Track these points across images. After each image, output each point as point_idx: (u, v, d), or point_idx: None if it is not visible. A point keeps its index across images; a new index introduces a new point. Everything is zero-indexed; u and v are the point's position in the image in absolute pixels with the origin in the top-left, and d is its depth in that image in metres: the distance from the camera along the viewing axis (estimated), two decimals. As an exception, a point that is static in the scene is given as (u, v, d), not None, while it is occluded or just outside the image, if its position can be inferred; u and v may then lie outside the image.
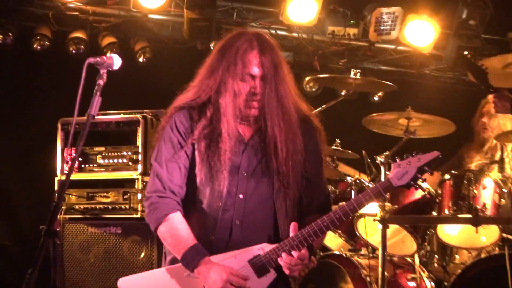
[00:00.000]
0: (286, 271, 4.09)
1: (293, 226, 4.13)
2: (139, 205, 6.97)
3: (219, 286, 4.03)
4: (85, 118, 4.04)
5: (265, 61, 4.25)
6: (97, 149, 7.25)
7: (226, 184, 4.20)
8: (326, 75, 7.72)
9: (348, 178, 7.22)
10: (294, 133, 4.30)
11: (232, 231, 4.21)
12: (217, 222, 4.21)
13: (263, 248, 4.13)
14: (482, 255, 6.75)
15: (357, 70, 7.32)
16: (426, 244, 7.23)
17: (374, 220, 6.55)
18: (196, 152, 4.28)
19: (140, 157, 7.09)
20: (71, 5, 8.73)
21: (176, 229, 4.20)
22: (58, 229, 3.97)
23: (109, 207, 7.12)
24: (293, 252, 4.07)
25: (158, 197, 4.27)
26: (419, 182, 4.22)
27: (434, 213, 6.88)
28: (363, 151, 7.30)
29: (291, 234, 4.11)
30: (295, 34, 9.24)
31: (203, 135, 4.27)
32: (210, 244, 4.20)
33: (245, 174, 4.26)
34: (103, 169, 7.23)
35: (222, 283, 4.03)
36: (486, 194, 6.67)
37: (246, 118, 4.29)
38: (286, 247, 4.08)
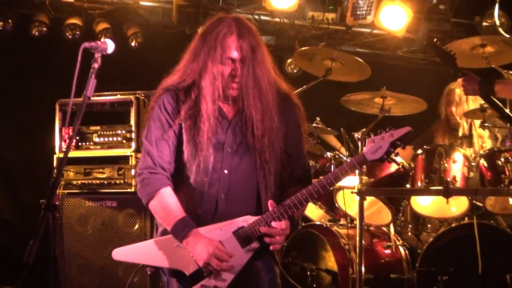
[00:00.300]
0: (267, 240, 4.08)
1: (270, 203, 4.12)
2: (133, 180, 6.96)
3: (205, 258, 4.03)
4: (81, 99, 4.04)
5: (243, 44, 4.21)
6: (93, 128, 7.22)
7: (211, 160, 4.18)
8: (306, 48, 7.71)
9: (328, 154, 7.24)
10: (271, 112, 4.26)
11: (217, 204, 4.19)
12: (204, 196, 4.19)
13: (246, 220, 4.12)
14: (453, 224, 6.79)
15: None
16: (400, 214, 7.26)
17: (352, 192, 6.56)
18: (183, 131, 4.26)
19: (133, 135, 7.07)
20: (67, -7, 8.70)
21: (166, 202, 4.19)
22: (57, 203, 3.93)
23: (105, 182, 7.11)
24: (273, 223, 4.07)
25: (149, 173, 4.25)
26: (392, 155, 4.22)
27: (408, 186, 6.90)
28: (342, 128, 7.32)
29: (270, 209, 4.10)
30: (277, 19, 9.22)
31: (188, 115, 4.24)
32: (198, 217, 4.18)
33: (229, 150, 4.23)
34: (99, 147, 7.21)
35: (208, 255, 4.02)
36: (456, 168, 6.69)
37: (227, 98, 4.27)
38: (268, 219, 4.08)
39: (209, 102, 4.20)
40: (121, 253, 4.29)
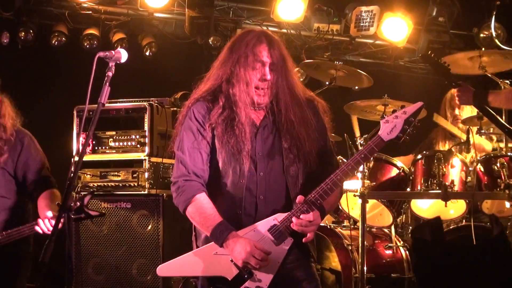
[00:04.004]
0: (296, 228, 4.02)
1: (298, 198, 4.06)
2: (146, 182, 6.93)
3: (243, 256, 3.99)
4: (96, 106, 4.04)
5: (273, 52, 4.24)
6: (108, 133, 7.18)
7: (247, 164, 4.16)
8: (311, 61, 7.70)
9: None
10: (306, 115, 4.28)
11: (257, 206, 4.16)
12: (243, 198, 4.17)
13: (276, 218, 4.08)
14: (451, 226, 6.76)
15: (340, 62, 7.30)
16: (401, 216, 7.23)
17: (354, 195, 6.52)
18: (216, 138, 4.23)
19: (147, 140, 7.03)
20: (85, 5, 8.71)
21: (203, 208, 4.16)
22: (72, 204, 3.92)
23: (120, 184, 7.06)
24: (302, 216, 4.01)
25: (184, 180, 4.23)
26: (409, 132, 4.17)
27: (408, 189, 6.87)
28: (345, 134, 7.26)
29: (298, 204, 4.05)
30: (284, 30, 9.20)
31: (219, 122, 4.23)
32: (239, 218, 4.17)
33: (260, 154, 4.21)
34: (114, 151, 7.17)
35: (246, 254, 3.99)
36: (454, 172, 6.66)
37: (259, 106, 4.26)
38: (297, 213, 4.02)
39: (244, 108, 4.20)
40: (165, 269, 4.27)
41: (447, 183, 6.51)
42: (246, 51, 4.23)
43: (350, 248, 6.72)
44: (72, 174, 4.00)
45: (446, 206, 6.56)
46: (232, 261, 4.07)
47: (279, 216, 4.08)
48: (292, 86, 4.29)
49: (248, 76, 4.21)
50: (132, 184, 7.01)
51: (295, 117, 4.23)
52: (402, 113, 4.16)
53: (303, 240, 4.07)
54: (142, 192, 6.97)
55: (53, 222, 5.50)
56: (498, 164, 6.46)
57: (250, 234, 4.08)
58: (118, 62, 4.20)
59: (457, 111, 7.56)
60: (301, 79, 9.58)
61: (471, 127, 7.21)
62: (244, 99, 4.20)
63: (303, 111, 4.29)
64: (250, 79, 4.21)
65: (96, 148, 7.21)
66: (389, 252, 6.98)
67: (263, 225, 4.09)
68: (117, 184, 7.07)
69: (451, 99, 7.66)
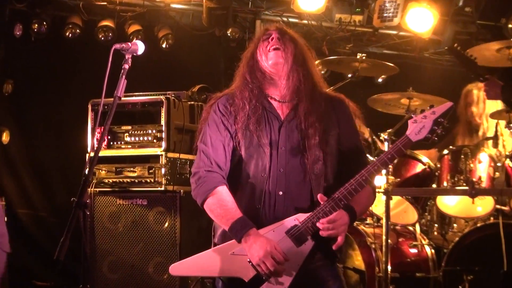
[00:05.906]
0: (323, 233, 3.96)
1: (319, 197, 4.01)
2: (163, 178, 6.92)
3: (261, 255, 3.94)
4: (112, 99, 4.03)
5: (282, 31, 4.31)
6: (124, 127, 7.18)
7: (267, 159, 4.15)
8: (334, 57, 7.66)
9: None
10: (324, 110, 4.24)
11: (276, 201, 4.12)
12: (263, 192, 4.13)
13: (298, 218, 4.02)
14: (478, 224, 6.73)
15: (363, 54, 7.27)
16: (426, 214, 7.21)
17: (378, 192, 6.50)
18: (238, 131, 4.22)
19: (163, 135, 7.02)
20: (100, -4, 8.74)
21: (224, 200, 4.13)
22: (88, 201, 3.92)
23: (136, 180, 7.06)
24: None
25: (206, 171, 4.21)
26: (438, 133, 4.07)
27: (434, 186, 6.85)
28: (368, 129, 7.25)
29: (320, 204, 4.00)
30: (305, 21, 9.18)
31: (241, 115, 4.24)
32: (258, 212, 4.13)
33: (283, 149, 4.17)
34: (130, 146, 7.17)
35: (264, 253, 3.93)
36: (482, 168, 6.64)
37: (276, 68, 4.26)
38: (319, 214, 3.97)
39: (260, 99, 4.25)
40: (178, 268, 4.24)
41: (474, 179, 6.49)
42: (255, 37, 4.38)
43: (373, 246, 6.70)
44: (87, 170, 3.99)
45: (473, 203, 6.55)
46: (250, 262, 4.01)
47: (301, 217, 4.03)
48: (311, 77, 4.31)
49: (258, 54, 4.30)
50: (148, 180, 7.00)
51: (310, 113, 4.20)
52: (431, 113, 4.09)
53: (333, 247, 4.02)
54: (159, 189, 6.97)
55: None
56: (527, 160, 6.44)
57: (270, 234, 4.04)
58: (134, 54, 4.19)
59: (474, 108, 7.53)
60: (322, 72, 9.58)
61: (499, 121, 7.18)
62: (258, 85, 4.26)
63: (325, 107, 4.28)
64: (260, 52, 4.30)
65: (111, 143, 7.20)
66: (413, 250, 6.95)
67: (284, 225, 4.04)
68: (133, 180, 7.07)
69: (466, 96, 7.65)
